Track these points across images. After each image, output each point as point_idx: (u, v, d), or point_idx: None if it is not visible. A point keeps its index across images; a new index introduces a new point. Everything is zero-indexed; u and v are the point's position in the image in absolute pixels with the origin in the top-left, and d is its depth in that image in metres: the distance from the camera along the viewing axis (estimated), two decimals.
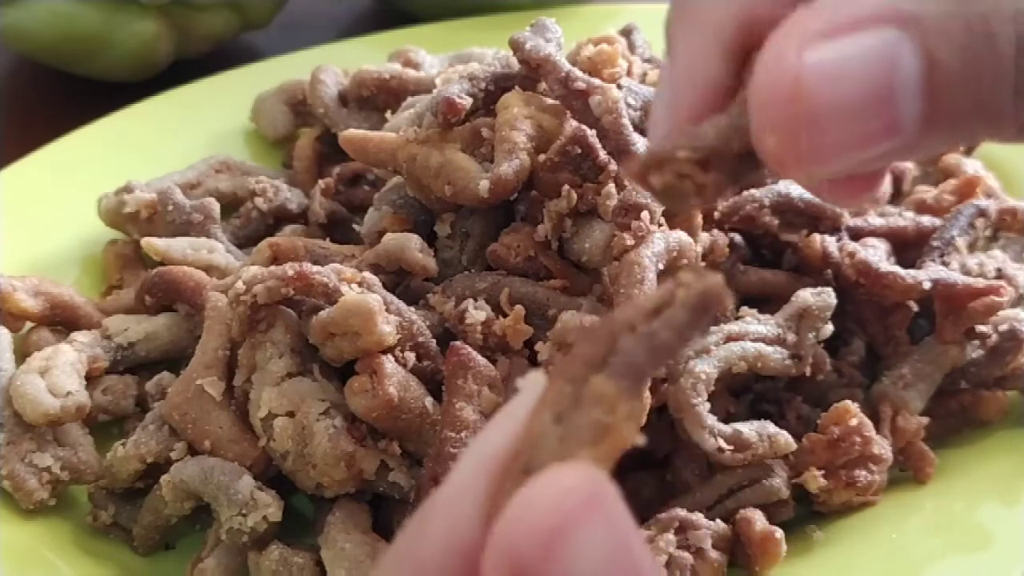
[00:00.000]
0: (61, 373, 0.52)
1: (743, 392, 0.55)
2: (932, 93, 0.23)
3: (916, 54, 0.23)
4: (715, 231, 0.55)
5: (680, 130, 0.27)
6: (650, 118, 0.29)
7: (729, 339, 0.51)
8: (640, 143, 0.51)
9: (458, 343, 0.48)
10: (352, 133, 0.56)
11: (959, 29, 0.23)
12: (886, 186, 0.63)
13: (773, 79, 0.24)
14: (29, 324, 0.58)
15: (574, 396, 0.21)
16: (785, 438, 0.49)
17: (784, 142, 0.24)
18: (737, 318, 0.54)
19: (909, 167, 0.66)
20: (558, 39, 0.55)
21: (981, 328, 0.55)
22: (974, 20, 0.23)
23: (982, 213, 0.59)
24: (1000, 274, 0.57)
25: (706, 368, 0.49)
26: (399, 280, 0.53)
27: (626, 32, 0.64)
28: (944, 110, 0.24)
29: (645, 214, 0.48)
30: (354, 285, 0.49)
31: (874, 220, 0.60)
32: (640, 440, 0.21)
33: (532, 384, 0.22)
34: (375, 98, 0.67)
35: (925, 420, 0.53)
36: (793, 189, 0.56)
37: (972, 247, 0.59)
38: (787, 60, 0.24)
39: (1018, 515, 0.49)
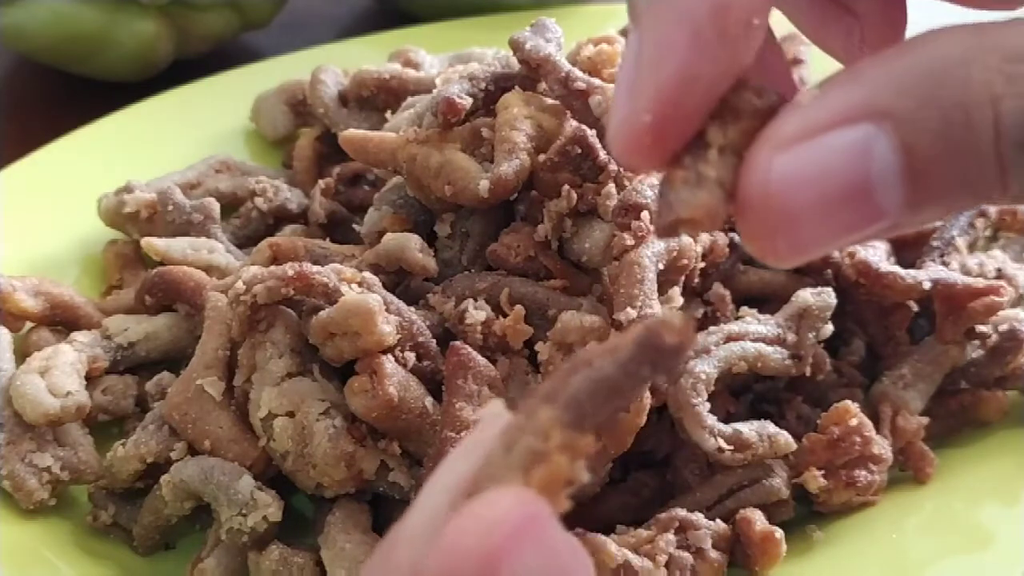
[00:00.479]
0: (61, 373, 0.52)
1: (743, 392, 0.55)
2: (913, 180, 0.24)
3: (892, 147, 0.23)
4: (715, 231, 0.55)
5: (638, 140, 0.26)
6: (614, 96, 0.28)
7: (729, 339, 0.51)
8: None
9: (458, 343, 0.48)
10: (352, 133, 0.56)
11: (935, 118, 0.23)
12: None
13: (747, 189, 0.24)
14: (29, 324, 0.58)
15: (523, 427, 0.22)
16: (785, 438, 0.49)
17: (763, 246, 0.25)
18: (737, 318, 0.54)
19: None
20: (558, 39, 0.55)
21: (981, 328, 0.55)
22: (950, 109, 0.23)
23: (982, 213, 0.59)
24: (1000, 274, 0.57)
25: (706, 368, 0.49)
26: (399, 280, 0.53)
27: (626, 32, 0.64)
28: (929, 193, 0.24)
29: (645, 214, 0.48)
30: (354, 285, 0.49)
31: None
32: (584, 477, 0.21)
33: (493, 415, 0.23)
34: (375, 98, 0.67)
35: (925, 420, 0.53)
36: None
37: (972, 247, 0.59)
38: (759, 170, 0.24)
39: (1018, 515, 0.49)
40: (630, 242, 0.48)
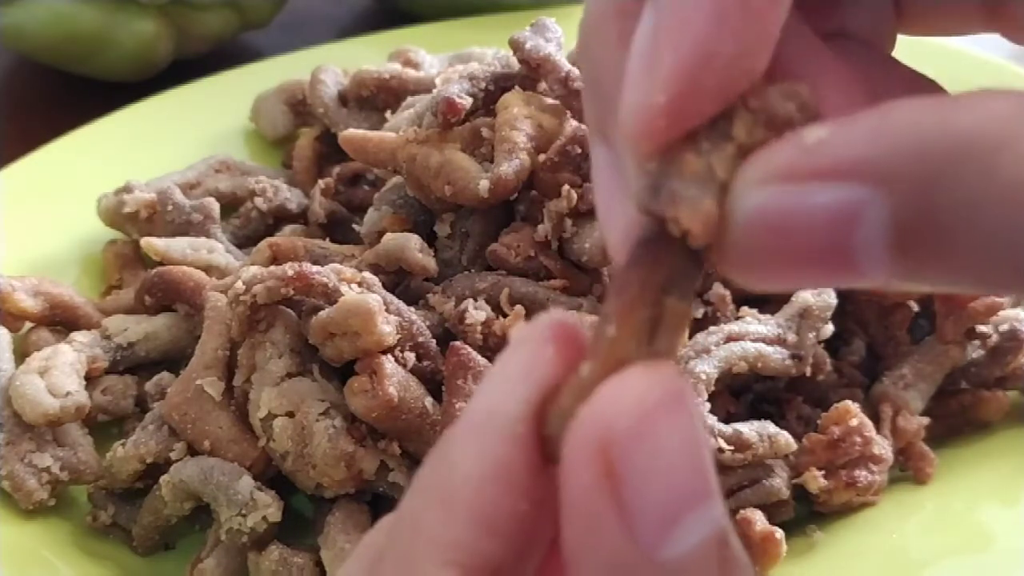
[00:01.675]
0: (61, 373, 0.52)
1: (743, 392, 0.55)
2: (903, 259, 0.21)
3: (886, 220, 0.20)
4: None
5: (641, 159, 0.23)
6: (603, 209, 0.26)
7: (729, 339, 0.51)
8: None
9: (458, 343, 0.48)
10: (352, 133, 0.56)
11: (944, 208, 0.20)
12: None
13: (728, 207, 0.22)
14: (29, 324, 0.58)
15: (652, 319, 0.21)
16: (785, 438, 0.49)
17: (725, 267, 0.23)
18: (737, 318, 0.54)
19: None
20: (558, 39, 0.55)
21: (981, 328, 0.55)
22: (962, 202, 0.20)
23: None
24: None
25: (706, 368, 0.49)
26: (399, 280, 0.53)
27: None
28: (918, 275, 0.21)
29: None
30: (354, 285, 0.49)
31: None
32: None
33: (530, 330, 0.22)
34: (375, 98, 0.67)
35: (925, 420, 0.53)
36: None
37: None
38: (739, 195, 0.21)
39: (1018, 515, 0.49)
40: None
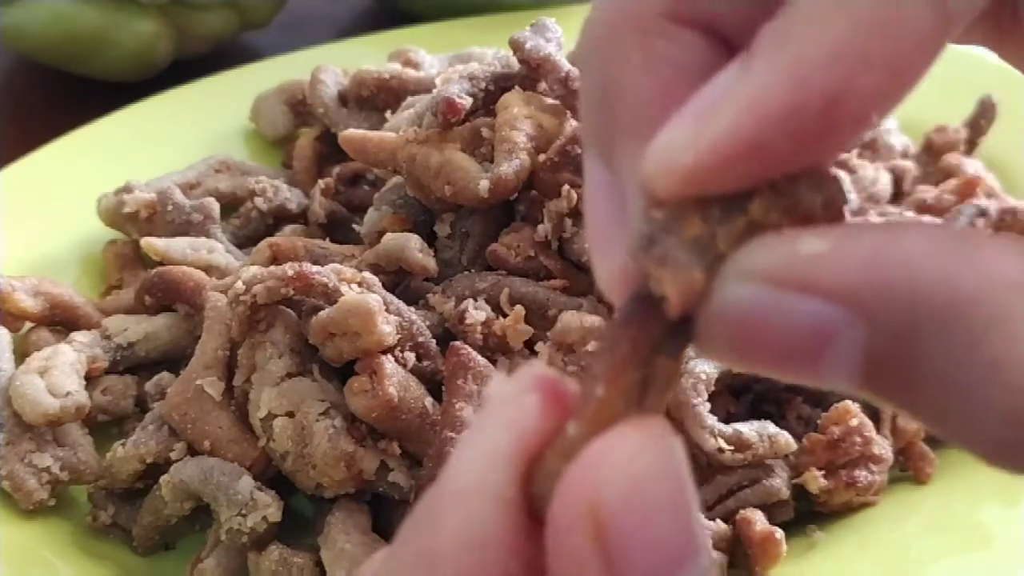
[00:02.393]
0: (61, 373, 0.52)
1: (743, 392, 0.55)
2: (870, 383, 0.21)
3: (860, 348, 0.20)
4: None
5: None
6: (593, 234, 0.25)
7: None
8: None
9: (458, 343, 0.48)
10: (352, 133, 0.56)
11: (927, 356, 0.20)
12: (887, 186, 0.63)
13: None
14: (29, 324, 0.58)
15: (643, 380, 0.21)
16: (785, 438, 0.49)
17: (697, 341, 0.22)
18: None
19: (910, 167, 0.66)
20: (558, 39, 0.55)
21: None
22: (947, 356, 0.19)
23: (983, 213, 0.59)
24: None
25: (706, 368, 0.49)
26: (399, 280, 0.53)
27: None
28: (882, 398, 0.21)
29: None
30: (354, 285, 0.49)
31: (875, 220, 0.60)
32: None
33: (513, 384, 0.22)
34: (375, 98, 0.67)
35: None
36: None
37: None
38: (724, 286, 0.21)
39: (1018, 515, 0.49)
40: None
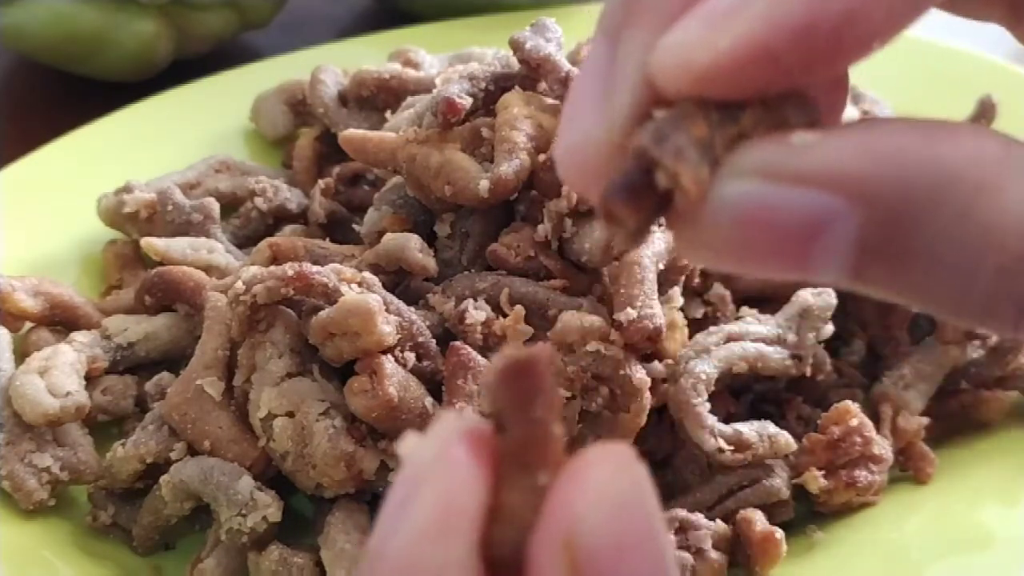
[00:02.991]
0: (61, 373, 0.52)
1: (743, 392, 0.55)
2: (859, 273, 0.21)
3: (853, 237, 0.21)
4: None
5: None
6: (572, 101, 0.25)
7: (729, 339, 0.51)
8: None
9: (458, 343, 0.48)
10: (352, 133, 0.56)
11: (920, 236, 0.20)
12: None
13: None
14: (29, 324, 0.58)
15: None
16: (785, 438, 0.49)
17: (678, 242, 0.23)
18: (737, 318, 0.54)
19: None
20: (558, 39, 0.55)
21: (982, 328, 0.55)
22: (937, 236, 0.20)
23: None
24: None
25: (706, 368, 0.49)
26: (399, 280, 0.53)
27: None
28: (871, 287, 0.22)
29: None
30: (354, 285, 0.49)
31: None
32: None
33: (432, 444, 0.21)
34: (375, 98, 0.67)
35: (925, 420, 0.53)
36: None
37: None
38: (718, 186, 0.22)
39: (1018, 515, 0.49)
40: None
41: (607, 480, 0.20)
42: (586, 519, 0.20)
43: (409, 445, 0.21)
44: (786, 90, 0.22)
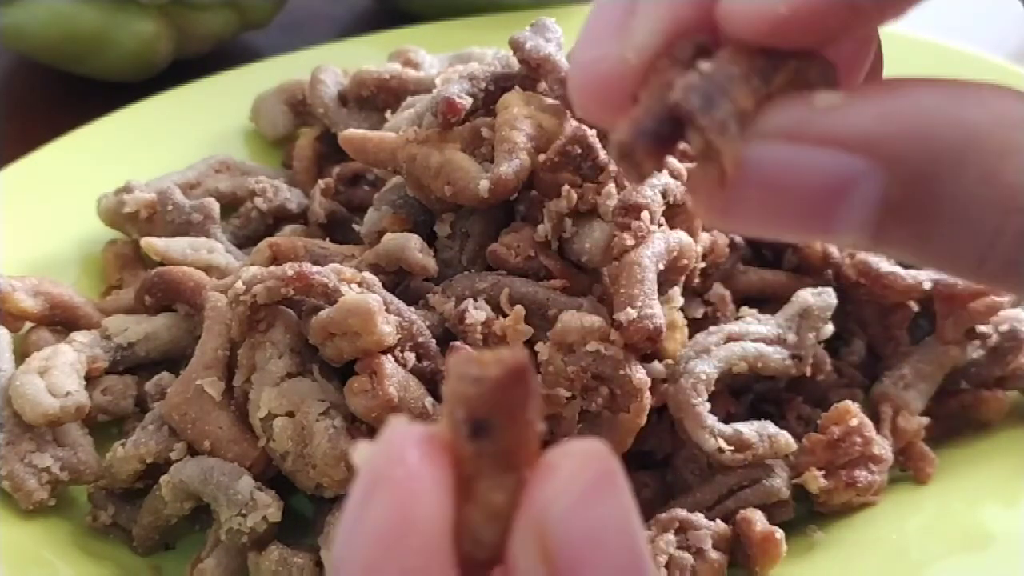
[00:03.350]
0: (61, 373, 0.52)
1: (743, 392, 0.55)
2: (882, 233, 0.21)
3: (877, 197, 0.21)
4: (715, 231, 0.55)
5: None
6: (591, 22, 0.24)
7: (729, 339, 0.51)
8: None
9: (458, 343, 0.48)
10: (352, 133, 0.56)
11: (944, 196, 0.21)
12: None
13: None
14: (29, 324, 0.58)
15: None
16: (785, 438, 0.49)
17: (698, 205, 0.23)
18: (737, 318, 0.54)
19: None
20: (558, 39, 0.55)
21: (982, 328, 0.55)
22: (960, 194, 0.21)
23: None
24: None
25: (706, 368, 0.49)
26: (399, 280, 0.53)
27: None
28: (893, 248, 0.22)
29: (645, 214, 0.48)
30: (354, 285, 0.49)
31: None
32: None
33: (388, 452, 0.21)
34: (375, 98, 0.67)
35: (926, 420, 0.53)
36: None
37: None
38: (745, 149, 0.21)
39: (1018, 515, 0.49)
40: (630, 242, 0.48)
41: (575, 471, 0.20)
42: (553, 508, 0.20)
43: (363, 453, 0.21)
44: (810, 49, 0.22)
